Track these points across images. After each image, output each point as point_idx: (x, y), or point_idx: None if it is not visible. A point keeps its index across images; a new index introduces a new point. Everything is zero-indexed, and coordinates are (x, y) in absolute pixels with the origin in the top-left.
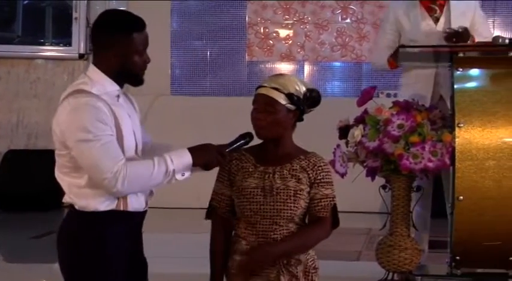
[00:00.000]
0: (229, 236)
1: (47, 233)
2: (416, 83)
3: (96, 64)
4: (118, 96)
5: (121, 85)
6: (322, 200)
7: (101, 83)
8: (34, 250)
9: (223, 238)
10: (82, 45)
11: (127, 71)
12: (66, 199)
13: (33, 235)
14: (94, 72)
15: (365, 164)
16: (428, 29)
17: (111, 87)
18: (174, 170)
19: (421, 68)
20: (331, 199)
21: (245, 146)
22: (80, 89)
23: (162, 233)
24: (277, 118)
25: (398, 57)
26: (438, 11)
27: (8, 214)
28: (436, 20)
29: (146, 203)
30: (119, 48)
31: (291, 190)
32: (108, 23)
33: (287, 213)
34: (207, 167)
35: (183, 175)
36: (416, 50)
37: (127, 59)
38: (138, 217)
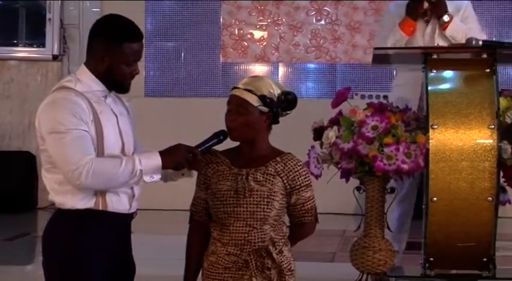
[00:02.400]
0: (205, 240)
1: (19, 235)
2: (405, 85)
3: (87, 65)
4: (105, 96)
5: (109, 88)
6: (305, 204)
7: (87, 83)
8: (7, 252)
9: (199, 241)
10: (56, 46)
11: (112, 78)
12: (49, 197)
13: (5, 237)
14: (82, 71)
15: (339, 165)
16: (422, 29)
17: (97, 87)
18: (141, 171)
19: (410, 70)
20: (312, 200)
21: (218, 145)
22: (63, 85)
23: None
24: (248, 120)
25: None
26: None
27: None
28: (427, 22)
29: (131, 206)
30: (107, 55)
31: (264, 192)
32: (102, 28)
33: (260, 215)
34: (177, 168)
35: (151, 177)
36: (391, 51)
37: (114, 67)
38: (122, 219)
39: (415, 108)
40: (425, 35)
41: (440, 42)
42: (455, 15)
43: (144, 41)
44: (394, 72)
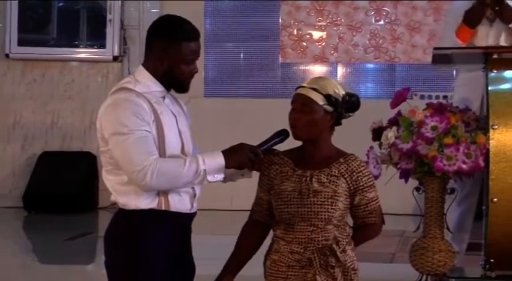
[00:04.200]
0: (260, 236)
1: (81, 235)
2: (467, 86)
3: (145, 66)
4: (164, 97)
5: (167, 88)
6: (369, 204)
7: (146, 84)
8: (68, 252)
9: (252, 235)
10: (116, 47)
11: (172, 78)
12: (111, 198)
13: (67, 236)
14: (141, 72)
15: (398, 166)
16: (484, 30)
17: (156, 88)
18: (205, 171)
19: (475, 70)
20: (376, 201)
21: (280, 144)
22: (123, 87)
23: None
24: (313, 118)
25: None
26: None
27: (43, 216)
28: (491, 21)
29: (192, 205)
30: (166, 55)
31: (328, 193)
32: (161, 28)
33: (325, 215)
34: (240, 167)
35: (215, 177)
36: (450, 51)
37: (173, 67)
38: (184, 218)
39: (477, 109)
40: (489, 37)
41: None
42: None
43: (203, 41)
44: (454, 72)
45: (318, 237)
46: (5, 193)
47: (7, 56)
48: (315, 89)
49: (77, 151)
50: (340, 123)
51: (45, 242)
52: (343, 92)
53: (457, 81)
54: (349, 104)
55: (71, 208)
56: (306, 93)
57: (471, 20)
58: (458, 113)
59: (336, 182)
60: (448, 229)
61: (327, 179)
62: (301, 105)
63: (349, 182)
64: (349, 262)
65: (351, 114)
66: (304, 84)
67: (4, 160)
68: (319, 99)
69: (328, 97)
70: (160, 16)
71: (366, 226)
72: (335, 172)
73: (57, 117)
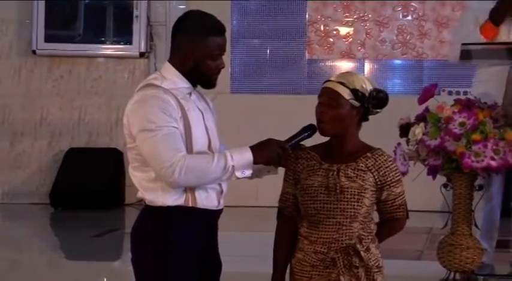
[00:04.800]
0: (293, 236)
1: (107, 232)
2: (489, 81)
3: (171, 62)
4: (190, 93)
5: (194, 84)
6: (396, 199)
7: (172, 80)
8: (95, 248)
9: (288, 237)
10: (143, 43)
11: (199, 73)
12: (138, 194)
13: (94, 233)
14: (167, 69)
15: (426, 162)
16: (505, 28)
17: (183, 84)
18: (233, 167)
19: (495, 66)
20: (402, 195)
21: (308, 139)
22: (150, 83)
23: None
24: (340, 113)
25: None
26: None
27: (69, 212)
28: None
29: (219, 202)
30: (193, 50)
31: (355, 189)
32: (186, 24)
33: (351, 212)
34: (268, 163)
35: (243, 173)
36: (474, 47)
37: (200, 62)
38: (211, 215)
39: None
40: (510, 33)
41: None
42: None
43: (230, 37)
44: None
45: (342, 236)
46: (32, 190)
47: (34, 52)
48: (342, 83)
49: (104, 147)
50: (367, 119)
51: (71, 239)
52: (371, 88)
53: (477, 77)
54: (377, 100)
55: (98, 204)
56: (333, 87)
57: (497, 17)
58: (486, 109)
59: (363, 177)
60: (476, 225)
61: (354, 173)
62: (328, 99)
63: (376, 176)
64: (372, 260)
65: (378, 110)
66: (331, 78)
67: (31, 157)
68: (346, 94)
69: (355, 92)
70: (185, 12)
71: (392, 220)
72: (362, 166)
73: (84, 114)
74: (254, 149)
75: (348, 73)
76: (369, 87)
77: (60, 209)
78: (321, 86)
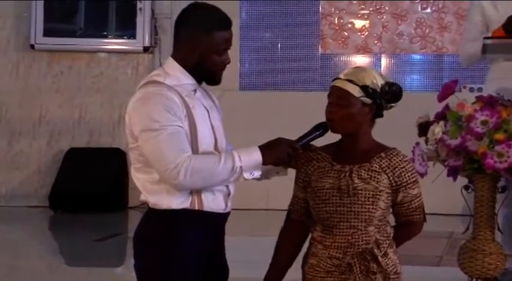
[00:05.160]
0: (300, 240)
1: (110, 236)
2: (504, 77)
3: (174, 57)
4: (195, 90)
5: (198, 80)
6: (413, 201)
7: (176, 76)
8: (97, 254)
9: (291, 240)
10: (147, 37)
11: (203, 69)
12: (141, 197)
13: (95, 237)
14: (170, 65)
15: (446, 163)
16: None
17: (187, 80)
18: (241, 168)
19: (508, 61)
20: (419, 197)
21: (320, 138)
22: (153, 80)
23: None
24: (350, 112)
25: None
26: None
27: (70, 215)
28: None
29: (226, 205)
30: (197, 45)
31: (369, 191)
32: (190, 18)
33: (365, 215)
34: (278, 163)
35: (252, 174)
36: (491, 41)
37: (205, 57)
38: (218, 218)
39: None
40: None
41: None
42: None
43: (238, 31)
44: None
45: (358, 241)
46: (31, 192)
47: (32, 47)
48: (351, 81)
49: (106, 147)
50: (381, 115)
51: (72, 244)
52: (382, 82)
53: (490, 74)
54: (390, 94)
55: (100, 207)
56: (342, 86)
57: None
58: (510, 106)
59: (377, 178)
60: (499, 230)
61: (368, 174)
62: (337, 98)
63: (391, 178)
64: (390, 266)
65: (392, 105)
66: (340, 76)
67: (29, 157)
68: (356, 91)
69: (365, 88)
70: (187, 5)
71: (409, 224)
72: (376, 167)
73: (84, 112)
74: (263, 149)
75: (357, 69)
76: (380, 81)
77: (60, 212)
78: (330, 85)
